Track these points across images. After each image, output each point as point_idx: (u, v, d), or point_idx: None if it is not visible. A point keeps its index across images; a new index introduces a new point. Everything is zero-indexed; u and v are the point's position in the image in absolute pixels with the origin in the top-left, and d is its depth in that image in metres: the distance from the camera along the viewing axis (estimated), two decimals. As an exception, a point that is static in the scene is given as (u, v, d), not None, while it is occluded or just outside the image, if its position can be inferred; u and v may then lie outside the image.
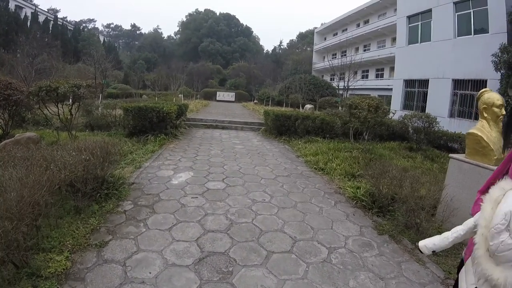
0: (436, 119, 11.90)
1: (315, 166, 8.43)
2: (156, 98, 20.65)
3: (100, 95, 17.05)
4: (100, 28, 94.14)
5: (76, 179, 4.40)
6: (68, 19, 68.62)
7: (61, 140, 8.59)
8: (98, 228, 4.23)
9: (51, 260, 3.32)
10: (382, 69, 40.35)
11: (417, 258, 3.98)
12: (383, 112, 10.57)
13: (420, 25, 21.05)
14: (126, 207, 4.99)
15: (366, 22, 44.07)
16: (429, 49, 19.23)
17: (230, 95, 42.07)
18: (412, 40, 22.18)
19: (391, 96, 24.96)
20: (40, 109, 8.96)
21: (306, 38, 74.94)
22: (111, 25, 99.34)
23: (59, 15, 65.40)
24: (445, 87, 17.05)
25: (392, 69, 37.27)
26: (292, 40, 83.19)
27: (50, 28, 49.92)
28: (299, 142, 11.70)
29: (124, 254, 3.63)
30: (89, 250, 3.68)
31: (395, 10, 36.82)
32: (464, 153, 4.75)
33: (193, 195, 5.68)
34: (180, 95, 33.49)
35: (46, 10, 61.09)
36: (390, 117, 12.74)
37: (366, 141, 10.83)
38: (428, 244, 2.32)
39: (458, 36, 16.83)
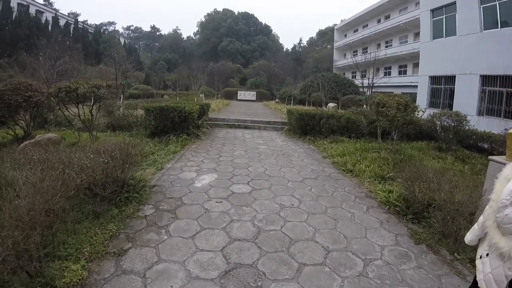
0: (466, 117, 11.23)
1: (343, 168, 8.02)
2: (178, 98, 20.57)
3: (122, 95, 17.05)
4: (121, 30, 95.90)
5: (95, 183, 4.17)
6: (89, 22, 70.25)
7: (82, 141, 8.50)
8: (117, 234, 4.01)
9: (66, 269, 3.11)
10: (405, 66, 39.44)
11: (457, 270, 3.60)
12: (412, 110, 10.08)
13: (444, 19, 20.25)
14: (147, 212, 4.75)
15: (387, 17, 43.30)
16: (454, 44, 18.43)
17: (251, 94, 41.78)
18: (436, 34, 21.38)
19: (415, 93, 24.14)
20: (60, 110, 8.86)
21: (326, 35, 74.02)
22: (131, 27, 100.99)
23: (80, 19, 66.92)
24: (472, 84, 16.19)
25: (415, 65, 36.34)
26: (312, 37, 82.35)
27: (71, 32, 50.97)
28: (325, 142, 11.29)
29: (144, 264, 3.38)
30: (107, 259, 3.45)
31: (417, 4, 35.99)
32: (499, 154, 4.26)
33: (218, 199, 5.39)
34: (201, 94, 33.43)
35: (67, 14, 62.45)
36: (420, 116, 12.13)
37: (395, 141, 10.31)
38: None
39: (484, 30, 15.93)
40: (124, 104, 13.73)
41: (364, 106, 18.19)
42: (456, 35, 18.55)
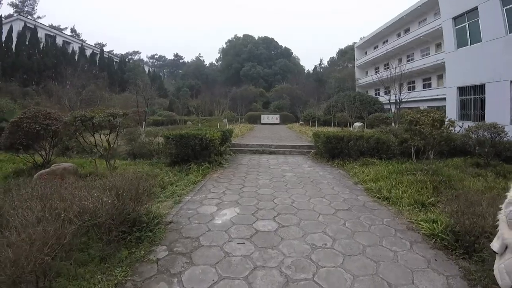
0: (504, 128, 10.28)
1: (378, 195, 7.26)
2: (200, 124, 20.34)
3: (144, 122, 16.93)
4: (145, 59, 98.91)
5: (99, 225, 3.68)
6: (114, 52, 72.53)
7: (100, 171, 8.17)
8: (123, 282, 3.51)
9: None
10: (429, 79, 38.03)
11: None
12: (448, 126, 9.26)
13: (467, 26, 19.36)
14: (159, 255, 4.20)
15: (407, 31, 42.54)
16: (480, 51, 17.53)
17: (274, 118, 41.48)
18: (461, 43, 20.46)
19: (441, 106, 23.00)
20: (77, 139, 8.63)
21: (346, 54, 73.58)
22: (155, 56, 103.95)
23: (105, 49, 69.31)
24: (503, 91, 15.12)
25: (439, 77, 35.87)
26: (332, 57, 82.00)
27: (97, 61, 52.58)
28: (355, 166, 10.54)
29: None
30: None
31: (435, 14, 35.89)
32: None
33: (239, 239, 4.76)
34: (224, 120, 33.35)
35: (93, 45, 64.73)
36: (456, 131, 11.24)
37: (430, 160, 9.48)
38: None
39: (510, 33, 15.03)
40: (145, 132, 13.49)
41: (393, 123, 17.30)
42: (481, 41, 17.69)
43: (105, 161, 8.88)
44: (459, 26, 20.35)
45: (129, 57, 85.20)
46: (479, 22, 17.68)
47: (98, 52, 56.81)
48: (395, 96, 18.46)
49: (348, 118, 28.85)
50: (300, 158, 13.10)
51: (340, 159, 11.49)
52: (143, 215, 4.98)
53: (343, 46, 78.50)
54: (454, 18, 20.54)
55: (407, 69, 30.02)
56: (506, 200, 2.46)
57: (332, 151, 11.75)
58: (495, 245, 2.59)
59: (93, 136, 8.22)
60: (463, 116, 20.03)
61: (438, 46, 35.70)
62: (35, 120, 8.84)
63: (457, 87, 20.52)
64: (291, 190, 7.84)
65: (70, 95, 24.65)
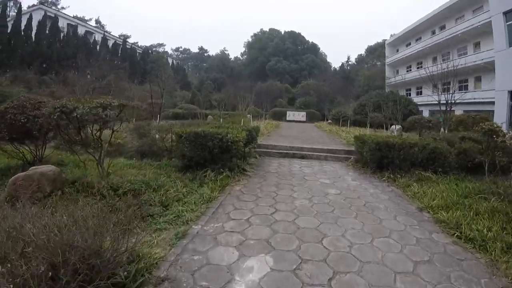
0: None
1: (455, 232, 5.03)
2: (221, 120, 18.15)
3: (158, 115, 14.90)
4: (170, 51, 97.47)
5: None
6: (139, 44, 71.26)
7: (89, 177, 6.13)
8: None
9: None
10: (466, 80, 34.55)
11: None
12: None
13: None
14: None
15: (442, 28, 39.60)
16: None
17: (301, 115, 39.06)
18: None
19: (480, 111, 20.28)
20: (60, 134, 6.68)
21: (375, 51, 70.06)
22: (180, 49, 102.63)
23: (130, 41, 68.30)
24: None
25: (477, 79, 32.92)
26: (361, 54, 78.35)
27: (119, 52, 51.26)
28: (410, 182, 8.16)
29: None
30: None
31: (474, 11, 33.19)
32: None
33: None
34: (248, 115, 31.14)
35: (117, 36, 63.45)
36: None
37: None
38: None
39: None
40: (158, 126, 11.39)
41: (442, 129, 14.68)
42: None
43: (100, 163, 6.80)
44: (511, 22, 17.83)
45: (154, 49, 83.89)
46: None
47: (120, 43, 55.48)
48: (445, 96, 15.68)
49: (383, 119, 26.29)
50: (339, 166, 10.71)
51: (389, 171, 9.12)
52: (121, 266, 2.90)
53: (372, 43, 75.03)
54: (505, 13, 18.00)
55: (461, 64, 26.85)
56: None
57: (381, 161, 9.36)
58: None
59: (79, 132, 6.13)
60: (514, 124, 17.60)
61: (476, 45, 33.05)
62: (22, 111, 7.20)
63: (509, 91, 17.91)
64: (342, 220, 5.50)
65: (83, 83, 23.11)
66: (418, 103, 35.08)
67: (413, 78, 43.63)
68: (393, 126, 20.10)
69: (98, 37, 52.95)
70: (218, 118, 21.34)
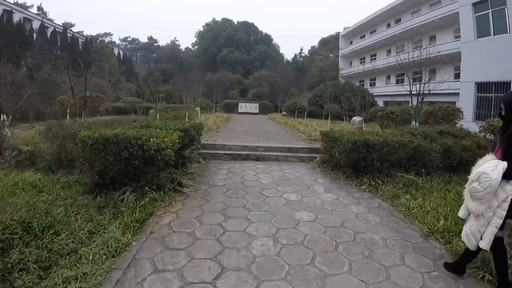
0: None
1: (485, 274, 3.49)
2: (158, 115, 15.36)
3: (83, 112, 12.01)
4: (117, 42, 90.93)
5: None
6: (85, 33, 65.17)
7: None
8: None
9: None
10: (421, 72, 34.49)
11: None
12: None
13: (491, 14, 16.56)
14: None
15: (398, 21, 39.71)
16: (507, 43, 15.06)
17: (253, 107, 36.93)
18: (482, 32, 17.44)
19: (441, 102, 19.43)
20: None
21: (328, 43, 69.54)
22: (128, 39, 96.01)
23: (74, 29, 62.22)
24: None
25: (432, 71, 32.30)
26: (314, 46, 77.53)
27: (58, 40, 46.10)
28: (396, 190, 6.29)
29: None
30: None
31: (431, 6, 33.58)
32: None
33: None
34: (197, 108, 28.51)
35: (60, 24, 57.33)
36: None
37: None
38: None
39: None
40: (69, 127, 8.56)
41: (413, 122, 13.08)
42: (508, 32, 15.14)
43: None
44: (480, 14, 17.12)
45: (100, 38, 77.49)
46: (506, 10, 15.24)
47: (61, 31, 50.04)
48: (416, 87, 14.04)
49: (340, 111, 24.83)
50: (303, 170, 8.56)
51: (368, 176, 7.14)
52: None
53: (325, 35, 74.37)
54: (474, 4, 17.29)
55: (437, 52, 25.73)
56: (469, 178, 3.17)
57: (357, 164, 7.35)
58: (460, 213, 3.45)
59: None
60: (479, 116, 16.84)
61: (432, 38, 33.20)
62: None
63: (475, 82, 17.08)
64: (332, 281, 3.31)
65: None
66: (378, 94, 34.64)
67: (368, 70, 43.20)
68: (355, 118, 18.46)
69: (37, 24, 47.20)
70: (161, 112, 18.62)
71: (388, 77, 41.22)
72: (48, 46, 41.04)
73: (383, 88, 38.25)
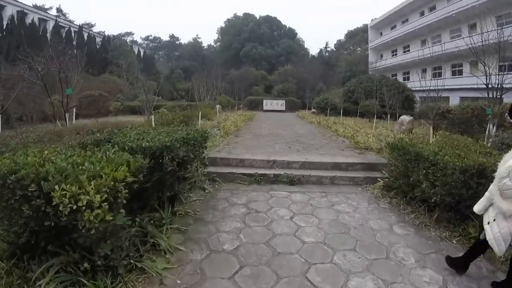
0: None
1: None
2: (153, 118, 12.43)
3: (66, 115, 9.30)
4: (139, 41, 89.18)
5: None
6: (106, 33, 63.44)
7: None
8: None
9: None
10: (461, 65, 31.09)
11: None
12: None
13: None
14: None
15: (432, 9, 35.73)
16: None
17: (279, 104, 33.82)
18: None
19: (476, 97, 15.77)
20: None
21: (356, 36, 64.95)
22: (150, 37, 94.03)
23: (95, 30, 60.69)
24: None
25: (472, 63, 28.77)
26: (340, 40, 72.65)
27: (74, 40, 44.37)
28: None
29: None
30: None
31: None
32: None
33: None
34: (217, 106, 25.65)
35: (77, 24, 55.64)
36: None
37: None
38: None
39: None
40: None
41: (490, 126, 9.37)
42: None
43: None
44: None
45: (122, 38, 75.85)
46: None
47: (76, 30, 48.37)
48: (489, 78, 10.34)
49: (378, 108, 21.37)
50: (365, 205, 5.40)
51: (474, 224, 4.00)
52: None
53: (351, 28, 69.97)
54: None
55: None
56: (497, 175, 2.90)
57: (459, 203, 4.16)
58: (476, 207, 3.20)
59: None
60: None
61: (472, 27, 28.90)
62: None
63: None
64: None
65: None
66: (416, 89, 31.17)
67: (403, 62, 39.45)
68: (404, 117, 15.03)
69: (52, 25, 45.75)
70: (176, 110, 15.87)
71: (424, 71, 37.36)
72: (62, 45, 39.33)
73: (418, 83, 34.35)
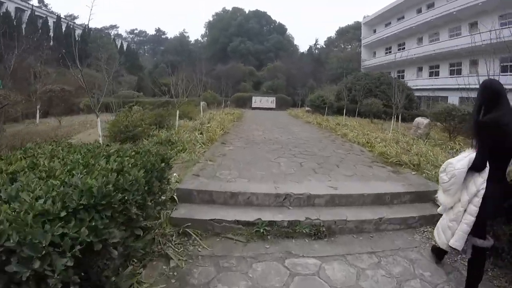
0: None
1: None
2: (98, 124, 9.69)
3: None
4: (124, 34, 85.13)
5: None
6: (90, 26, 59.49)
7: None
8: None
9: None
10: (460, 64, 29.17)
11: None
12: None
13: None
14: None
15: (430, 6, 34.08)
16: None
17: (269, 101, 31.28)
18: None
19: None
20: None
21: (347, 33, 62.69)
22: (135, 31, 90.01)
23: (78, 22, 56.90)
24: None
25: (473, 62, 27.10)
26: (330, 37, 69.97)
27: (50, 31, 40.95)
28: None
29: None
30: None
31: None
32: None
33: None
34: (202, 103, 22.91)
35: (54, 14, 51.76)
36: None
37: None
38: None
39: None
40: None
41: None
42: None
43: None
44: None
45: (106, 31, 71.95)
46: None
47: (55, 21, 44.81)
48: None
49: (381, 108, 19.13)
50: (443, 275, 2.97)
51: None
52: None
53: (342, 25, 67.60)
54: None
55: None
56: (440, 170, 3.00)
57: None
58: (439, 209, 3.18)
59: None
60: None
61: (472, 25, 27.60)
62: None
63: None
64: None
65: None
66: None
67: (398, 60, 37.53)
68: (420, 120, 12.60)
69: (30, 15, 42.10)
70: (148, 107, 13.07)
71: (420, 69, 35.46)
72: (39, 37, 36.03)
73: (412, 82, 32.60)
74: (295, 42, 73.76)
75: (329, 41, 69.58)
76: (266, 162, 6.37)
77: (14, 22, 36.47)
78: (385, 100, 20.41)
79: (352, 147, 8.82)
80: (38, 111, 16.58)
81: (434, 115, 13.66)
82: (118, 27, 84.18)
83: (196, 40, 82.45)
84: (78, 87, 23.45)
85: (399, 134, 11.64)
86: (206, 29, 75.70)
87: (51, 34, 41.43)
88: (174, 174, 4.48)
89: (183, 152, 6.42)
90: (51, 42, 37.91)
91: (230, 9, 70.52)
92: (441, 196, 2.93)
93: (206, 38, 75.55)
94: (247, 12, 68.80)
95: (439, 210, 3.15)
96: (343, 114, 18.23)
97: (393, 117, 16.94)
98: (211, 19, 72.87)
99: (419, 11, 35.86)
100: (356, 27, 56.73)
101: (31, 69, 20.43)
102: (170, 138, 7.63)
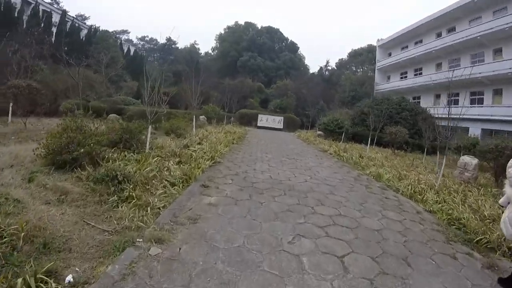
0: None
1: None
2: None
3: None
4: (134, 40, 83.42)
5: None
6: (101, 29, 57.49)
7: None
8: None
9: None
10: (482, 93, 26.94)
11: None
12: None
13: None
14: None
15: (451, 30, 31.44)
16: None
17: (276, 121, 28.35)
18: None
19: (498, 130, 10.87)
20: None
21: (360, 56, 60.30)
22: (146, 38, 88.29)
23: (88, 23, 54.93)
24: None
25: (496, 92, 25.48)
26: (342, 59, 67.80)
27: (52, 26, 38.74)
28: None
29: None
30: None
31: (494, 12, 26.48)
32: None
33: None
34: (201, 117, 20.03)
35: (62, 11, 49.68)
36: None
37: None
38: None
39: None
40: None
41: None
42: None
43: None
44: None
45: (117, 35, 70.08)
46: None
47: (59, 15, 42.68)
48: None
49: (406, 137, 16.18)
50: None
51: None
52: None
53: (356, 47, 65.32)
54: None
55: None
56: (508, 165, 3.08)
57: None
58: (501, 200, 3.21)
59: None
60: None
61: (497, 52, 25.72)
62: None
63: None
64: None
65: None
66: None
67: (415, 85, 34.72)
68: (466, 159, 9.47)
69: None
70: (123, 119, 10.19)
71: (437, 96, 32.42)
72: (41, 33, 33.83)
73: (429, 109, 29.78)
74: (305, 62, 71.56)
75: (341, 63, 67.23)
76: (275, 255, 3.28)
77: (16, 13, 34.29)
78: (408, 128, 17.55)
79: (400, 203, 5.78)
80: (10, 109, 13.61)
81: (481, 153, 10.59)
82: (129, 32, 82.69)
83: (206, 53, 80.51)
84: (71, 87, 21.07)
85: (448, 178, 8.63)
86: (216, 42, 73.47)
87: (54, 30, 39.08)
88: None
89: (121, 206, 3.45)
90: (53, 37, 35.56)
91: (243, 23, 68.62)
92: (508, 190, 3.00)
93: (216, 51, 73.35)
94: (259, 27, 66.81)
95: (500, 201, 3.23)
96: (359, 141, 15.18)
97: (424, 151, 13.97)
98: (222, 32, 70.89)
99: (439, 35, 33.32)
100: (369, 49, 54.57)
101: (21, 63, 17.70)
102: (119, 171, 4.63)
